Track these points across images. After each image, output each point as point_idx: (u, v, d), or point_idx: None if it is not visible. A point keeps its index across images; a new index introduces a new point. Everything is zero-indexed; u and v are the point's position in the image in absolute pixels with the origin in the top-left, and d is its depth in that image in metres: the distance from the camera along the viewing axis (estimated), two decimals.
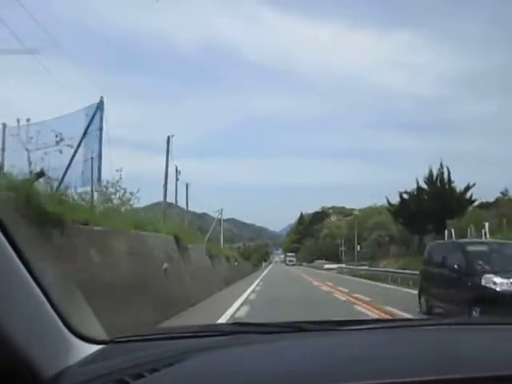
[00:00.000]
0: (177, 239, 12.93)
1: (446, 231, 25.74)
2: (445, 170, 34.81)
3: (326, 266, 56.33)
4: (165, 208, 20.37)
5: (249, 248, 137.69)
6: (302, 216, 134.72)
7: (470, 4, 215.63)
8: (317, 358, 1.10)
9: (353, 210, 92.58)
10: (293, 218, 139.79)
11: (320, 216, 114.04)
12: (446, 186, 34.50)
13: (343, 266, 50.18)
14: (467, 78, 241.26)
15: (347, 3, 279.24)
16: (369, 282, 26.57)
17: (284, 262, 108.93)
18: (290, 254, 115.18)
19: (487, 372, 0.93)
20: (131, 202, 12.00)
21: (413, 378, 0.90)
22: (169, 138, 21.46)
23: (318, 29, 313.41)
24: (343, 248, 70.12)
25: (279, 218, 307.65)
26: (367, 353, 1.13)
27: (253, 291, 18.69)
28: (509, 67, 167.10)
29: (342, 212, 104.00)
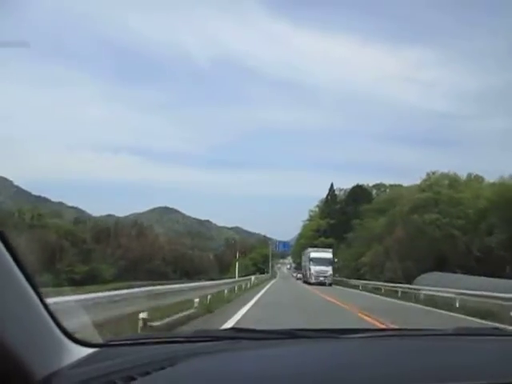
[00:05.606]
0: None
1: None
2: None
3: None
4: None
5: (232, 248, 71.23)
6: (332, 191, 77.73)
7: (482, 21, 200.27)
8: (310, 364, 1.12)
9: (413, 185, 44.39)
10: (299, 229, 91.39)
11: (364, 192, 74.75)
12: None
13: None
14: (478, 95, 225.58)
15: (360, 19, 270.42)
16: None
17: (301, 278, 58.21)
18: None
19: (489, 380, 0.96)
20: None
21: None
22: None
23: (331, 44, 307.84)
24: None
25: (286, 229, 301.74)
26: (361, 360, 1.16)
27: None
28: None
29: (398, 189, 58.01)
